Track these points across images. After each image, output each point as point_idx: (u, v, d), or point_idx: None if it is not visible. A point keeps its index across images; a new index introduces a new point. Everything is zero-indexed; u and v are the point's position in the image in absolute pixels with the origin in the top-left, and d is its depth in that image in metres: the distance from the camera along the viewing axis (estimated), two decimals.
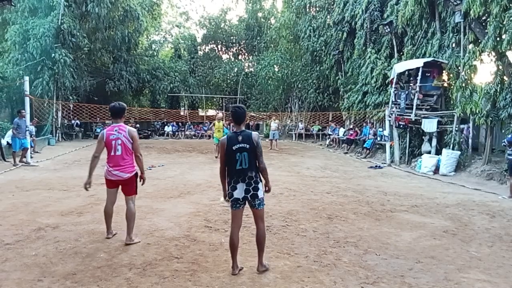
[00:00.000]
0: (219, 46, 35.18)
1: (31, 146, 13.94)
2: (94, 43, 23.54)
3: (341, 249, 5.02)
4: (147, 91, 31.24)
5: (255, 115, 30.44)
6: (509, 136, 9.33)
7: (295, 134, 26.51)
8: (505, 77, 11.27)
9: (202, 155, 16.18)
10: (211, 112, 33.61)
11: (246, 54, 35.70)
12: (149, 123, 28.54)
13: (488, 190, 9.66)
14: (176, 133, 27.47)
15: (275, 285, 3.87)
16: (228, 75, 33.44)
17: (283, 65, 28.37)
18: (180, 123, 28.97)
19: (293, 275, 4.13)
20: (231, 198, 4.08)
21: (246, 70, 33.46)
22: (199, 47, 34.22)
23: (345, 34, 21.22)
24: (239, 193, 4.03)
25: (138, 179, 5.07)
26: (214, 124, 15.54)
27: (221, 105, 34.40)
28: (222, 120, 16.22)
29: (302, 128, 26.60)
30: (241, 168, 4.01)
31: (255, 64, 32.27)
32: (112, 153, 4.91)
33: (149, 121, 28.55)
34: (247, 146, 4.01)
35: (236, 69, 32.90)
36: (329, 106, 25.82)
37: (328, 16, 23.84)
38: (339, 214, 6.86)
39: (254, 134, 4.10)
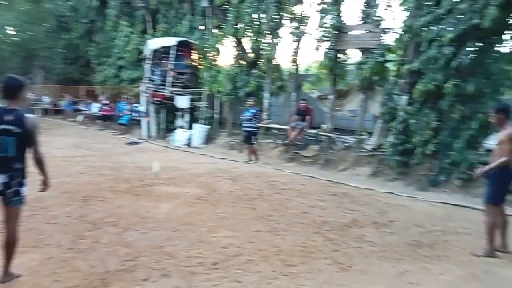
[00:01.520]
0: None
1: None
2: None
3: (99, 231, 4.82)
4: None
5: None
6: (249, 112, 10.96)
7: (40, 109, 23.16)
8: (242, 61, 13.22)
9: None
10: None
11: None
12: None
13: (231, 159, 11.17)
14: None
15: (20, 285, 3.35)
16: None
17: (22, 28, 24.09)
18: None
19: (43, 268, 3.70)
20: None
21: None
22: None
23: (96, 2, 19.73)
24: None
25: None
26: None
27: None
28: None
29: (49, 103, 23.53)
30: (5, 156, 3.18)
31: None
32: None
33: None
34: (18, 130, 3.19)
35: None
36: (81, 79, 23.71)
37: None
38: (95, 194, 6.51)
39: (31, 117, 3.30)
